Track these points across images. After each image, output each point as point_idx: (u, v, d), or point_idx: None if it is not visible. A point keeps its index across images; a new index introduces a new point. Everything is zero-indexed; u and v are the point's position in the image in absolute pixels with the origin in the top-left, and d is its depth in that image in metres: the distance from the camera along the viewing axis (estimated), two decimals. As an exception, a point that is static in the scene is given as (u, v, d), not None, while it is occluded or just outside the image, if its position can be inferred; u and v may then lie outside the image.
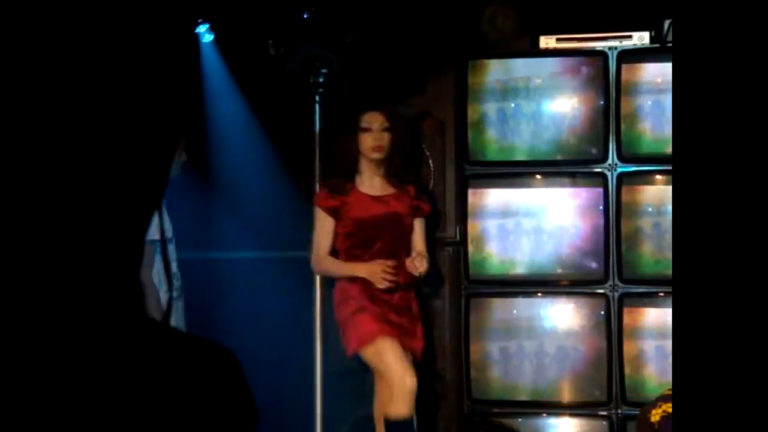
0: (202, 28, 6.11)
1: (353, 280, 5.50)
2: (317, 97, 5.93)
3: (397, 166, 5.61)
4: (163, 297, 5.01)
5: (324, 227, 5.56)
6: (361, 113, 5.61)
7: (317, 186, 5.79)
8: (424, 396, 6.17)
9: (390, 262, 5.46)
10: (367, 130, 5.57)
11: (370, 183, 5.61)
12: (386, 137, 5.57)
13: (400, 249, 5.57)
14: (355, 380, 6.12)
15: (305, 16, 5.75)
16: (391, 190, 5.62)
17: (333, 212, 5.55)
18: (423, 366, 6.04)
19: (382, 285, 5.45)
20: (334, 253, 5.61)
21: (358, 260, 5.52)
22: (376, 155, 5.56)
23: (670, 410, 4.12)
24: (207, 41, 6.19)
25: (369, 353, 5.45)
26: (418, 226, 5.69)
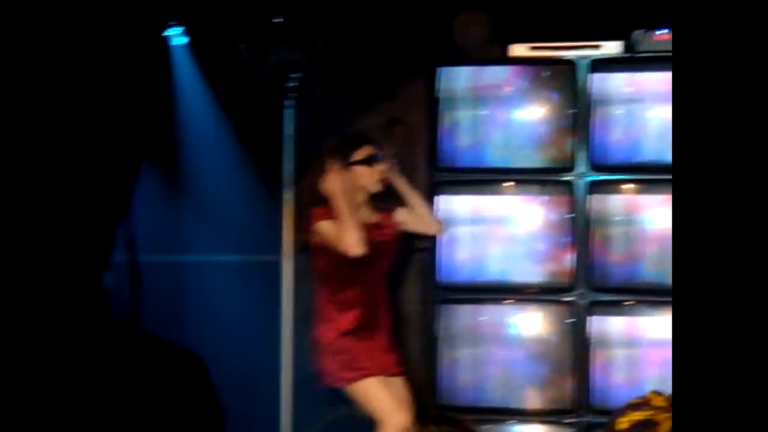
0: (174, 31, 6.09)
1: (338, 306, 5.48)
2: (289, 101, 5.92)
3: (387, 196, 5.64)
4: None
5: (332, 229, 5.45)
6: (358, 145, 5.57)
7: (287, 190, 5.74)
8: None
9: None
10: (367, 163, 5.56)
11: (365, 213, 5.61)
12: (384, 169, 5.58)
13: (386, 277, 5.59)
14: (325, 387, 6.12)
15: (277, 20, 5.74)
16: (379, 217, 5.63)
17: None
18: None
19: (378, 188, 5.51)
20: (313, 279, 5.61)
21: (346, 295, 5.49)
22: (380, 187, 5.58)
23: (638, 418, 4.13)
24: (179, 44, 6.17)
25: (353, 392, 5.50)
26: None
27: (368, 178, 5.55)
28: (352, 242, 5.35)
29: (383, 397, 5.42)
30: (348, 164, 5.52)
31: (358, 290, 5.48)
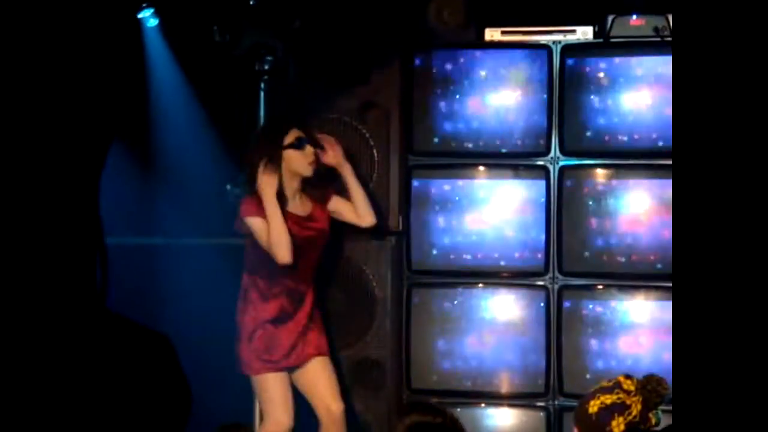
0: (146, 13, 6.06)
1: (264, 296, 5.42)
2: (262, 84, 5.90)
3: (319, 182, 5.47)
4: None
5: (262, 228, 5.27)
6: (283, 131, 5.39)
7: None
8: (363, 385, 6.19)
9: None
10: (297, 147, 5.38)
11: (298, 202, 5.45)
12: (314, 152, 5.41)
13: (314, 268, 5.54)
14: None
15: (251, 2, 5.72)
16: (311, 207, 5.49)
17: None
18: (362, 354, 6.08)
19: (310, 172, 5.37)
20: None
21: (271, 286, 5.40)
22: (311, 171, 5.40)
23: (608, 402, 4.15)
24: (151, 26, 6.14)
25: (256, 382, 5.44)
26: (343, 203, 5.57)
27: (299, 162, 5.35)
28: (282, 253, 5.24)
29: (276, 396, 5.38)
30: (277, 150, 5.33)
31: (284, 282, 5.38)
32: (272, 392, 5.41)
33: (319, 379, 5.49)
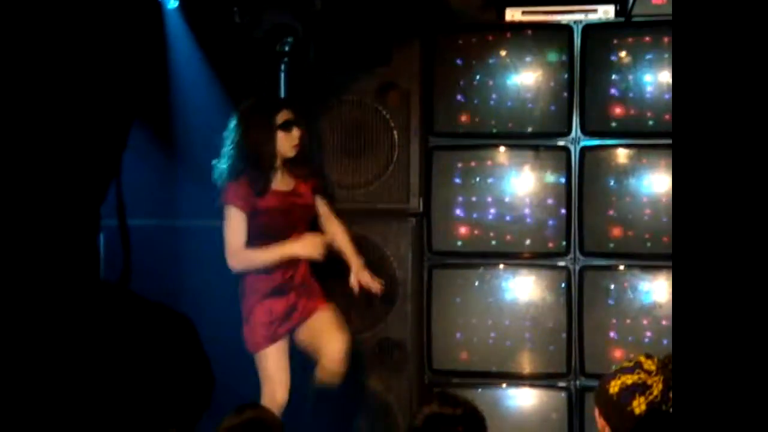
0: (167, -5, 6.06)
1: (262, 272, 5.50)
2: (282, 65, 5.90)
3: (301, 162, 5.59)
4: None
5: (239, 222, 5.46)
6: (274, 111, 5.50)
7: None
8: (384, 366, 6.20)
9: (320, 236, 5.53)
10: (285, 128, 5.49)
11: (281, 179, 5.57)
12: (299, 134, 5.52)
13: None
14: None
15: (271, -17, 5.72)
16: (294, 184, 5.60)
17: (247, 209, 5.49)
18: (383, 336, 6.10)
19: (320, 256, 5.47)
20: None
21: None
22: (294, 153, 5.52)
23: (629, 382, 4.15)
24: (172, 8, 6.14)
25: (257, 359, 5.57)
26: (337, 227, 5.72)
27: (284, 144, 5.49)
28: (237, 267, 5.49)
29: (273, 372, 5.50)
30: (270, 131, 5.45)
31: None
32: (271, 368, 5.53)
33: (323, 324, 5.59)
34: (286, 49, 5.82)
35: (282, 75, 6.00)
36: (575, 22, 6.15)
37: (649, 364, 4.14)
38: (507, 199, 6.23)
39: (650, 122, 6.09)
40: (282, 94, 5.97)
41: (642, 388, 4.06)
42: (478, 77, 6.25)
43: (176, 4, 6.11)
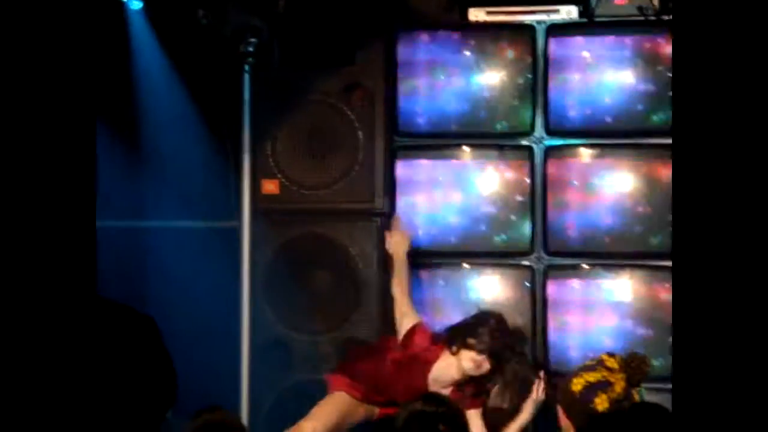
0: (131, -4, 6.04)
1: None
2: (247, 66, 5.90)
3: None
4: None
5: None
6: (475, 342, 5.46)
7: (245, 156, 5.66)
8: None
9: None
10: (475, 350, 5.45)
11: None
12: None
13: None
14: (283, 351, 6.15)
15: (235, -16, 5.72)
16: None
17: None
18: (348, 335, 6.11)
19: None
20: None
21: None
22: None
23: (592, 380, 4.19)
24: (135, 9, 6.13)
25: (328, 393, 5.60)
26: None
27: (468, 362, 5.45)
28: None
29: (321, 411, 5.51)
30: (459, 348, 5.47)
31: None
32: (330, 409, 5.57)
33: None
34: (251, 49, 5.82)
35: (246, 76, 5.99)
36: (538, 22, 6.18)
37: (612, 362, 4.18)
38: (471, 199, 6.25)
39: (612, 122, 6.13)
40: (246, 95, 5.97)
41: (604, 385, 4.10)
42: (442, 77, 6.27)
43: (140, 5, 6.10)
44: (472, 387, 5.48)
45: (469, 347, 5.40)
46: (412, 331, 5.60)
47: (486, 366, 5.39)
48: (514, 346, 5.48)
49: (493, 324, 5.47)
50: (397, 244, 5.92)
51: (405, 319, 5.69)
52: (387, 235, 5.95)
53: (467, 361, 5.39)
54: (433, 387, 5.43)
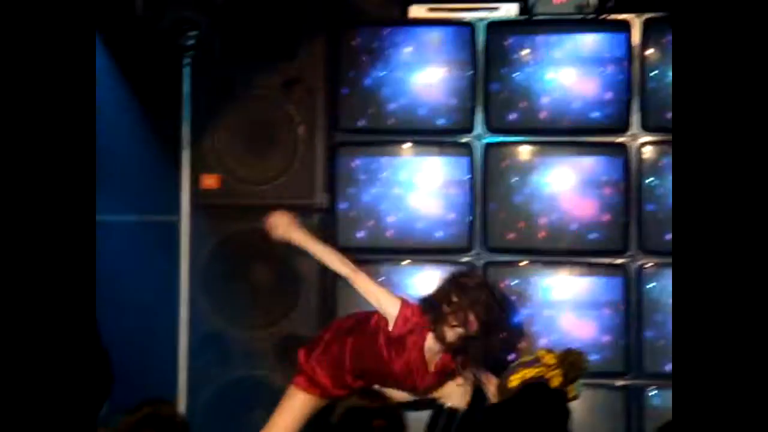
0: (68, -13, 5.98)
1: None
2: (187, 60, 5.87)
3: None
4: None
5: None
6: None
7: (184, 150, 5.62)
8: (289, 362, 6.20)
9: None
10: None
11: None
12: None
13: None
14: (222, 345, 6.12)
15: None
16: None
17: None
18: (288, 331, 6.09)
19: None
20: None
21: None
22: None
23: (529, 376, 4.22)
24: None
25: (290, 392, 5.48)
26: None
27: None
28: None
29: (281, 413, 5.42)
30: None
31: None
32: (292, 412, 5.47)
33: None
34: (190, 43, 5.79)
35: (186, 69, 5.96)
36: (479, 19, 6.21)
37: (549, 358, 4.21)
38: (411, 195, 6.26)
39: (552, 119, 6.17)
40: (186, 89, 5.93)
41: (541, 381, 4.13)
42: (382, 73, 6.28)
43: (78, -3, 6.03)
44: (464, 352, 5.28)
45: (445, 320, 5.20)
46: (401, 314, 5.34)
47: (474, 325, 5.15)
48: (492, 299, 5.28)
49: (466, 284, 5.27)
50: (285, 227, 5.47)
51: (384, 304, 5.35)
52: (267, 225, 5.48)
53: (449, 332, 5.31)
54: (428, 355, 5.33)
